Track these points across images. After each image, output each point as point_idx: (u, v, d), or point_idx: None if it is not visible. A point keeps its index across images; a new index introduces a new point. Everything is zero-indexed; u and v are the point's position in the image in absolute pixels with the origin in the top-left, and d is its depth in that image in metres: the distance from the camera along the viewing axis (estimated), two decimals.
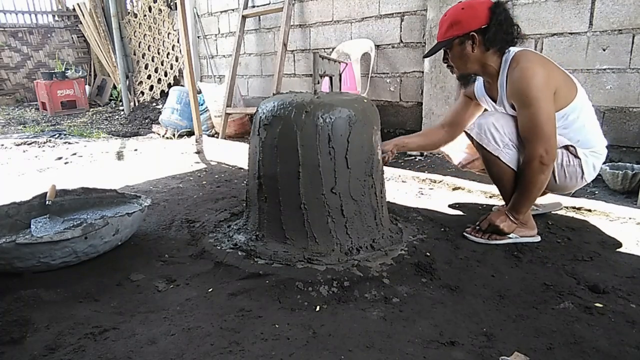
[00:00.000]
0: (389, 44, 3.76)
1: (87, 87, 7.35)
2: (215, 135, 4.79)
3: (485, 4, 1.74)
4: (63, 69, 7.00)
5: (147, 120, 5.80)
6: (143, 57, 6.60)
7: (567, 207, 2.26)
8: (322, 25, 4.23)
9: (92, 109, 6.95)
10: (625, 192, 2.47)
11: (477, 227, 1.93)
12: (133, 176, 3.11)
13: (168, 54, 6.22)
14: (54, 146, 4.32)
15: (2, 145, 4.35)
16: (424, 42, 3.45)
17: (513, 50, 1.78)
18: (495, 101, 1.92)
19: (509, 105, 1.82)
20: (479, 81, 1.99)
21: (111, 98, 7.54)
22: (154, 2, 6.15)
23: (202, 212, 2.31)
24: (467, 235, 1.92)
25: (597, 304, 1.41)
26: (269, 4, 4.60)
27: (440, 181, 2.77)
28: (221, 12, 5.24)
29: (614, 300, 1.43)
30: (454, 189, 2.67)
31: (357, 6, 3.90)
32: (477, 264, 1.70)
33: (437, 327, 1.30)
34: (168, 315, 1.38)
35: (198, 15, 5.54)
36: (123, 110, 6.51)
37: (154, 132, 5.18)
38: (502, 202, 2.07)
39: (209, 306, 1.43)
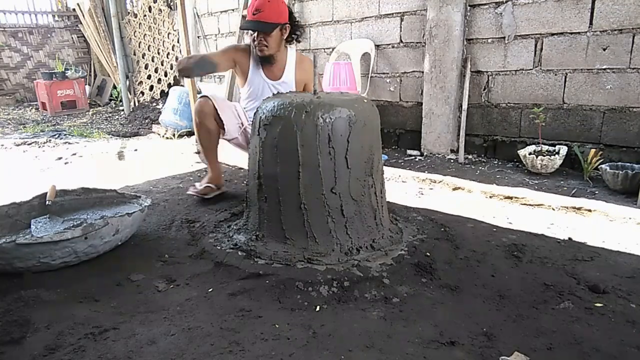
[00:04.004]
0: (389, 44, 3.76)
1: (87, 87, 7.33)
2: None
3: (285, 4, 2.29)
4: (63, 69, 6.98)
5: (147, 120, 5.79)
6: (143, 57, 6.59)
7: (567, 207, 2.26)
8: (322, 25, 4.22)
9: (92, 109, 6.93)
10: (625, 192, 2.46)
11: None
12: (133, 176, 3.11)
13: (168, 54, 6.21)
14: (54, 146, 4.31)
15: (2, 145, 4.35)
16: (424, 42, 3.44)
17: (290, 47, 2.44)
18: (273, 79, 2.44)
19: (294, 81, 2.45)
20: (255, 61, 2.40)
21: (111, 98, 7.52)
22: (154, 2, 6.15)
23: (202, 212, 2.31)
24: None
25: (597, 304, 1.41)
26: None
27: (440, 181, 2.77)
28: (221, 12, 5.24)
29: (614, 300, 1.43)
30: (454, 189, 2.67)
31: (357, 6, 3.90)
32: (477, 264, 1.70)
33: (437, 327, 1.30)
34: (168, 316, 1.38)
35: (198, 15, 5.54)
36: (123, 110, 6.50)
37: (154, 132, 5.17)
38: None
39: (209, 306, 1.43)
